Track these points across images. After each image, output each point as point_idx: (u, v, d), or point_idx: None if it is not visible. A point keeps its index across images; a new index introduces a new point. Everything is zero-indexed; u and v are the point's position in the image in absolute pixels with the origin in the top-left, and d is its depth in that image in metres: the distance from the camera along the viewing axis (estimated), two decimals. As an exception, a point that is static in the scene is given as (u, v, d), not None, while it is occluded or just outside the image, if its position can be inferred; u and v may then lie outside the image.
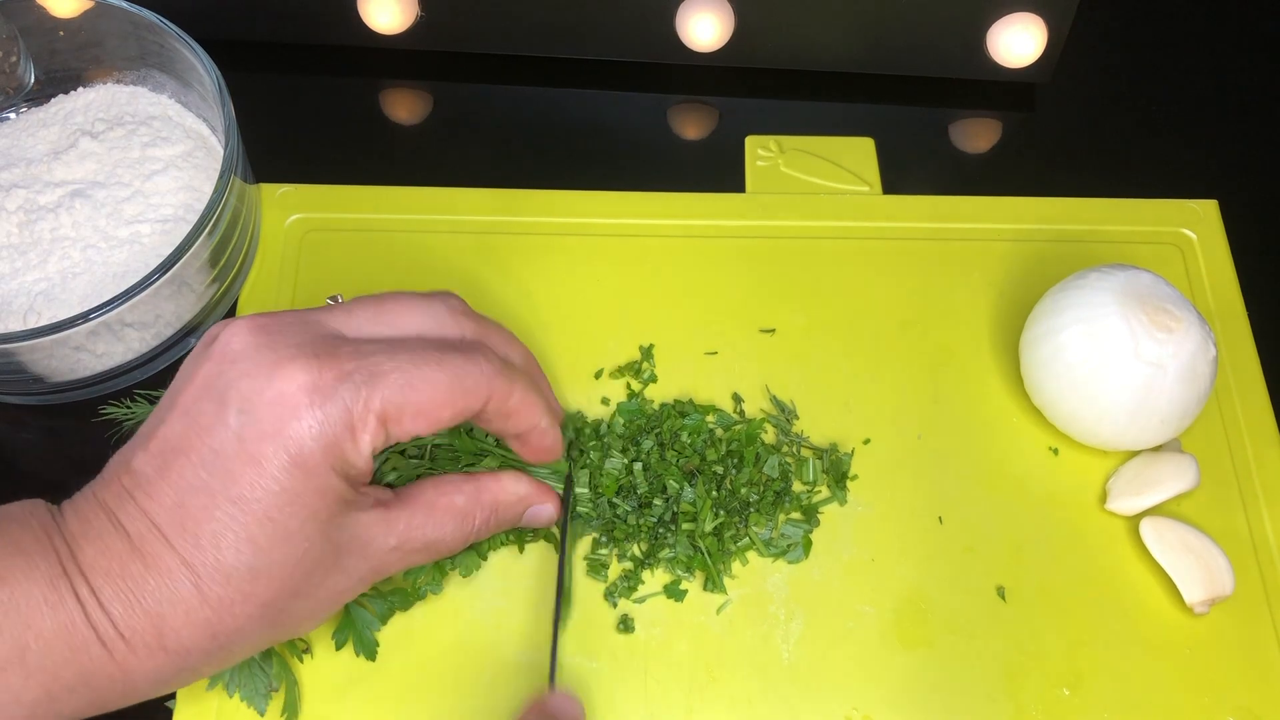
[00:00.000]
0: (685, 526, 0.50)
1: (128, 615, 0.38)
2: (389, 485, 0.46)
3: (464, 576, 0.50)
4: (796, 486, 0.53)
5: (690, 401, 0.54)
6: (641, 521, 0.51)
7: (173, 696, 0.48)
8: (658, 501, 0.51)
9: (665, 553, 0.50)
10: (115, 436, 0.52)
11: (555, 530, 0.51)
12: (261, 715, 0.47)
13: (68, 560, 0.38)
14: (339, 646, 0.48)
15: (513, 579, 0.51)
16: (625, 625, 0.50)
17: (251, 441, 0.38)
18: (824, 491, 0.53)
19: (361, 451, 0.40)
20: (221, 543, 0.38)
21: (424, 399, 0.40)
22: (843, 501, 0.52)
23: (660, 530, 0.50)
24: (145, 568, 0.38)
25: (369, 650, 0.48)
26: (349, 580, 0.42)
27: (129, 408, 0.52)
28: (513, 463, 0.48)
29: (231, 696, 0.47)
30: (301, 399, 0.38)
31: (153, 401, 0.52)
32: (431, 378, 0.40)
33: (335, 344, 0.40)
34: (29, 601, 0.37)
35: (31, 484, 0.54)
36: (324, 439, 0.38)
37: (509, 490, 0.46)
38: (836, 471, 0.53)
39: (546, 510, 0.48)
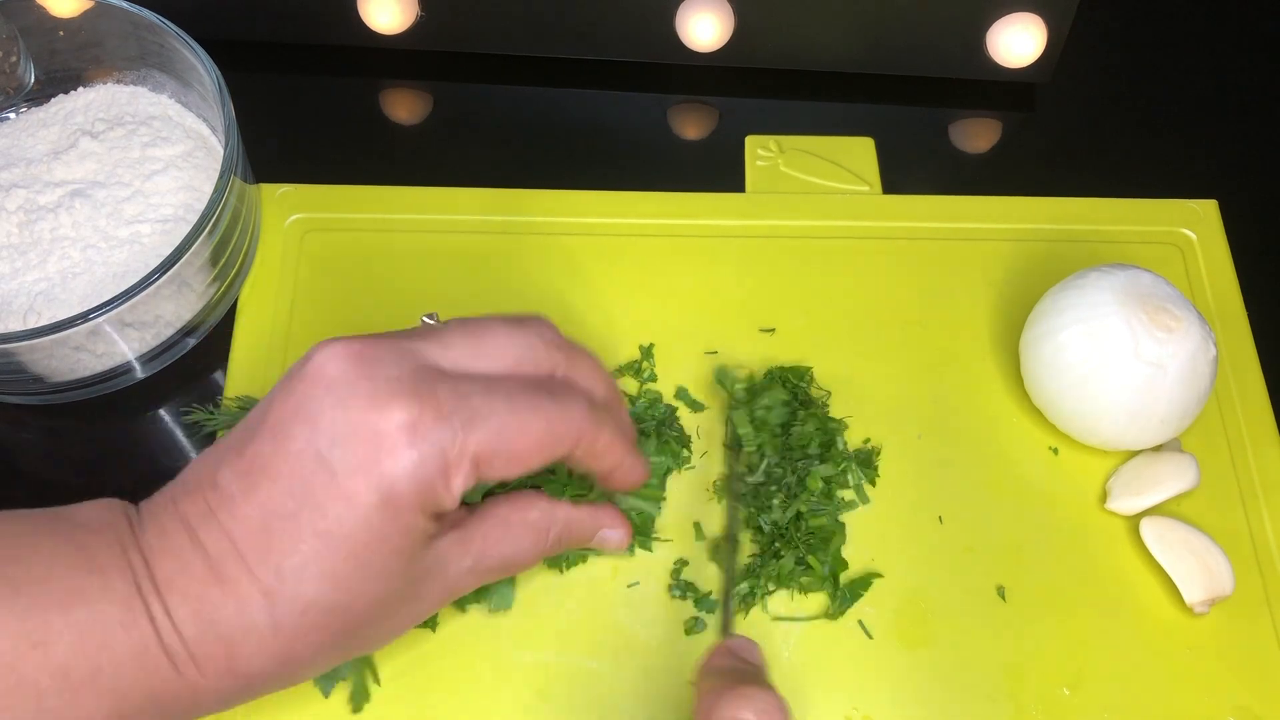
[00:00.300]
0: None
1: (201, 639, 0.38)
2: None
3: (493, 611, 0.50)
4: (814, 482, 0.52)
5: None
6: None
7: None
8: (776, 501, 0.51)
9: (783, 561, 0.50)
10: (198, 435, 0.53)
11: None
12: (325, 697, 0.48)
13: (143, 577, 0.38)
14: (326, 694, 0.48)
15: (517, 581, 0.51)
16: (625, 625, 0.50)
17: (344, 475, 0.37)
18: (850, 493, 0.53)
19: (453, 493, 0.39)
20: (304, 576, 0.37)
21: (518, 446, 0.40)
22: (864, 500, 0.53)
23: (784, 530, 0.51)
24: (223, 592, 0.38)
25: (359, 701, 0.48)
26: (424, 605, 0.42)
27: (211, 413, 0.52)
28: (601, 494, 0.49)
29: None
30: (400, 438, 0.37)
31: (242, 408, 0.52)
32: (526, 425, 0.40)
33: (433, 380, 0.39)
34: (104, 623, 0.37)
35: (31, 484, 0.55)
36: (418, 480, 0.38)
37: (584, 508, 0.46)
38: (867, 466, 0.53)
39: (617, 535, 0.48)
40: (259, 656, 0.38)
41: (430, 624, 0.49)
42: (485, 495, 0.45)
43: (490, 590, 0.49)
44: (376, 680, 0.48)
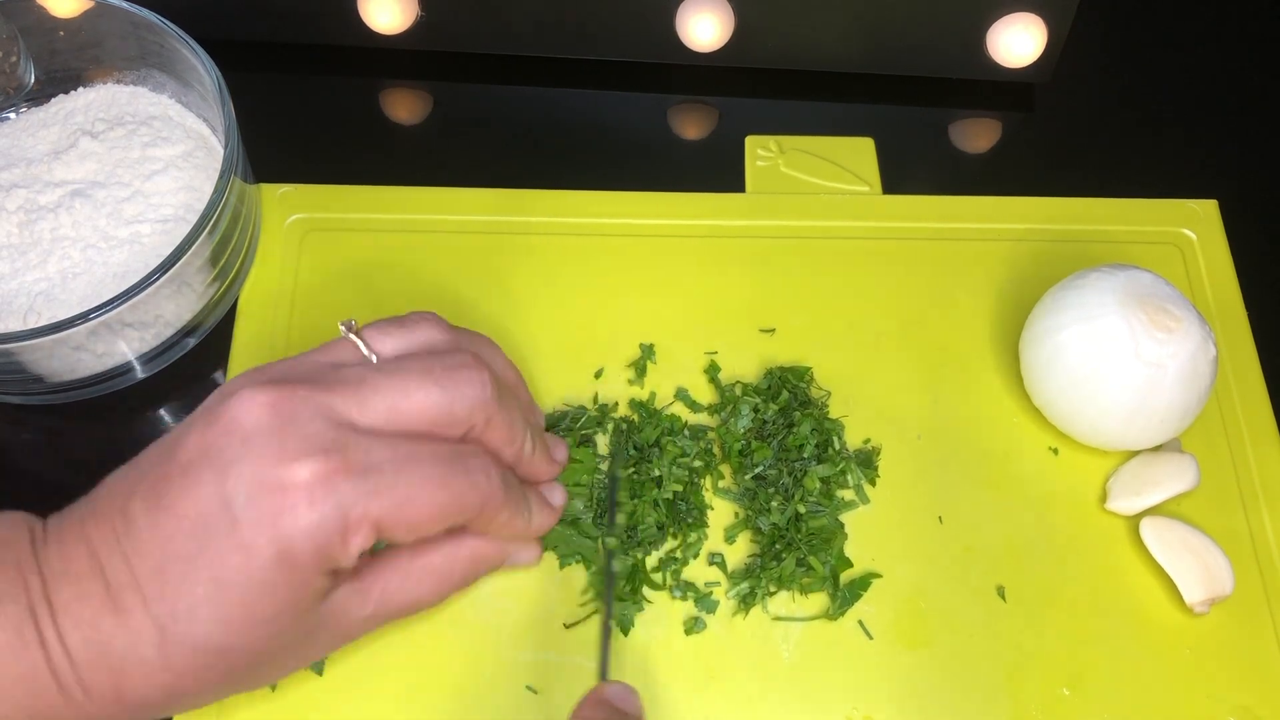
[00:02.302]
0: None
1: (92, 666, 0.38)
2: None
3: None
4: (811, 483, 0.52)
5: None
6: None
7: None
8: (775, 503, 0.51)
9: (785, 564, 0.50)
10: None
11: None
12: (319, 675, 0.48)
13: (39, 602, 0.38)
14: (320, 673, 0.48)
15: (514, 579, 0.51)
16: (625, 625, 0.50)
17: (245, 526, 0.38)
18: (850, 493, 0.53)
19: (350, 554, 0.39)
20: (196, 617, 0.38)
21: (419, 516, 0.40)
22: (864, 500, 0.53)
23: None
24: (117, 623, 0.38)
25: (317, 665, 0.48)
26: (317, 650, 0.43)
27: None
28: None
29: None
30: (302, 496, 0.38)
31: None
32: (430, 499, 0.40)
33: (345, 440, 0.39)
34: None
35: (31, 484, 0.55)
36: (316, 540, 0.38)
37: (485, 543, 0.45)
38: (867, 466, 0.53)
39: (526, 555, 0.47)
40: (146, 688, 0.39)
41: (317, 668, 0.49)
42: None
43: None
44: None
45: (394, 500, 0.39)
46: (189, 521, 0.38)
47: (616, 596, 0.49)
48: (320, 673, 0.48)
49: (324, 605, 0.41)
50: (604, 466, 0.52)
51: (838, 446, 0.53)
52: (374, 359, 0.42)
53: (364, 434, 0.40)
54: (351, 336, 0.43)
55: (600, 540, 0.50)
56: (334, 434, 0.39)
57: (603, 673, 0.48)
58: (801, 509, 0.51)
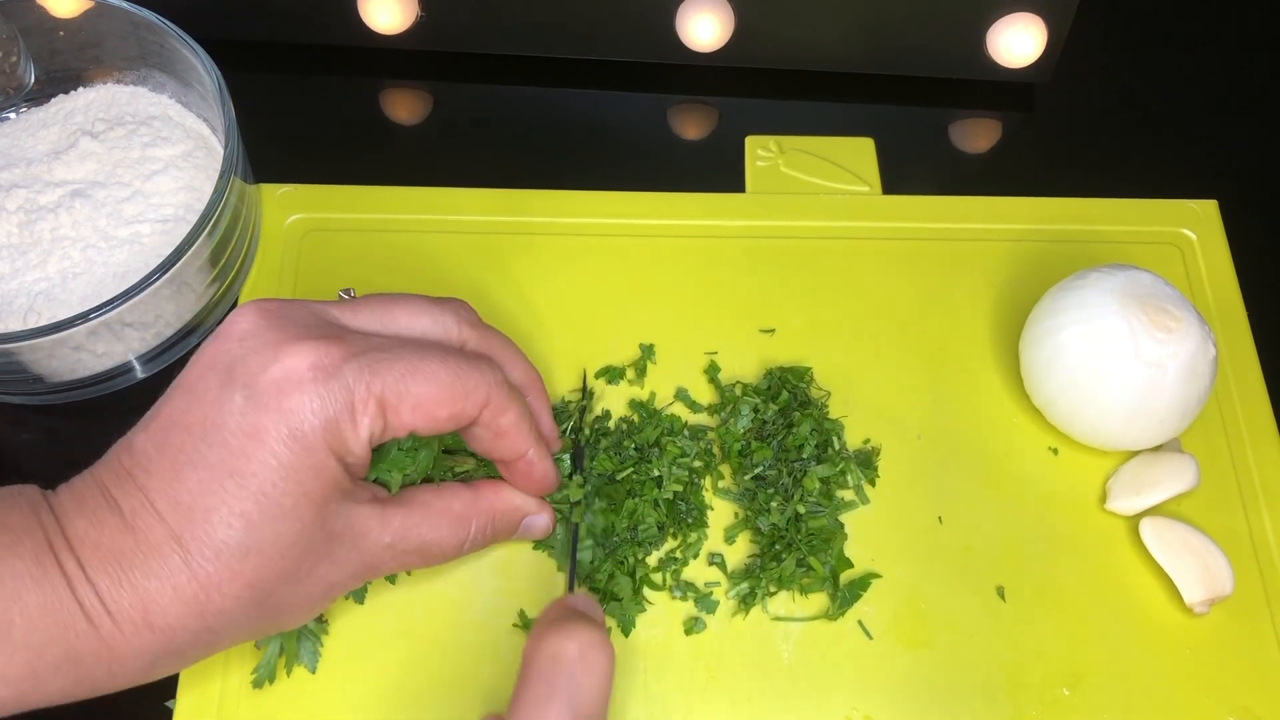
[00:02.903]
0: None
1: (114, 590, 0.38)
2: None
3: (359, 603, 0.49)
4: (811, 483, 0.52)
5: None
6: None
7: (173, 696, 0.48)
8: (775, 504, 0.51)
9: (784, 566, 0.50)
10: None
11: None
12: (312, 673, 0.48)
13: (55, 535, 0.38)
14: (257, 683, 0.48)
15: (512, 574, 0.51)
16: (626, 626, 0.50)
17: (252, 415, 0.38)
18: (850, 493, 0.53)
19: (360, 435, 0.40)
20: (214, 517, 0.38)
21: (424, 392, 0.41)
22: (864, 500, 0.53)
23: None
24: (135, 542, 0.38)
25: (357, 595, 0.48)
26: (340, 572, 0.42)
27: None
28: None
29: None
30: (305, 375, 0.39)
31: None
32: (433, 372, 0.41)
33: (341, 331, 0.41)
34: (13, 576, 0.37)
35: (32, 484, 0.54)
36: (324, 415, 0.39)
37: (506, 499, 0.47)
38: (867, 466, 0.53)
39: (542, 521, 0.48)
40: (175, 606, 0.38)
41: (358, 595, 0.49)
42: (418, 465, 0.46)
43: None
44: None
45: (395, 374, 0.40)
46: (197, 427, 0.39)
47: (613, 595, 0.50)
48: (361, 600, 0.48)
49: (345, 514, 0.41)
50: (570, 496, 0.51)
51: (837, 447, 0.53)
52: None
53: (358, 330, 0.42)
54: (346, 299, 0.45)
55: (569, 479, 0.51)
56: (330, 328, 0.41)
57: (569, 586, 0.49)
58: (801, 509, 0.51)
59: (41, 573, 0.37)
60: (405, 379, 0.40)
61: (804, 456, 0.52)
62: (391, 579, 0.50)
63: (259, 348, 0.39)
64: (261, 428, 0.38)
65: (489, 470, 0.48)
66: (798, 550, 0.50)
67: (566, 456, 0.52)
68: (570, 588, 0.49)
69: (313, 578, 0.41)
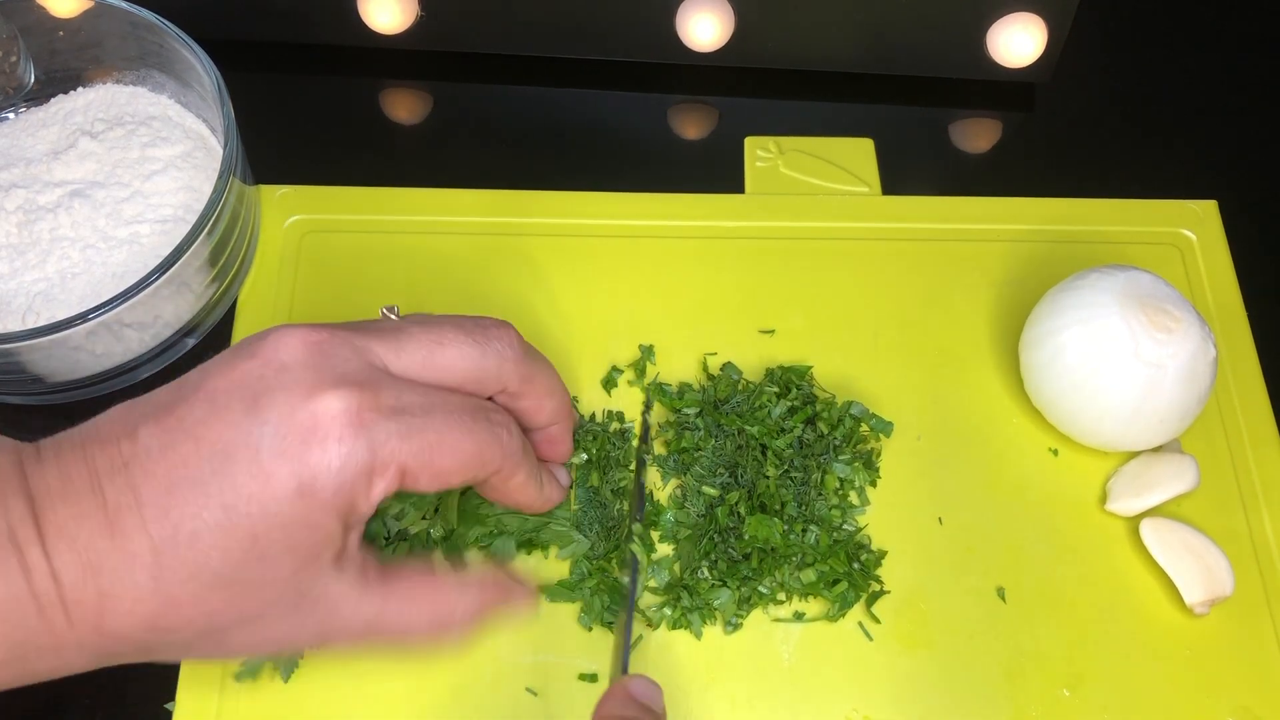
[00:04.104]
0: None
1: (78, 586, 0.36)
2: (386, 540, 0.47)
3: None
4: (832, 481, 0.52)
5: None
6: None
7: (172, 698, 0.48)
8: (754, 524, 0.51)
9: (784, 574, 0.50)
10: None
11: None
12: (285, 682, 0.47)
13: (21, 520, 0.36)
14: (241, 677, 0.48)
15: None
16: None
17: (268, 456, 0.37)
18: (854, 496, 0.53)
19: (371, 499, 0.38)
20: (197, 543, 0.37)
21: (445, 464, 0.40)
22: (865, 501, 0.53)
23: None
24: (113, 545, 0.36)
25: (286, 670, 0.47)
26: (299, 633, 0.40)
27: None
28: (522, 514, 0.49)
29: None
30: (332, 429, 0.37)
31: None
32: (457, 446, 0.40)
33: (379, 381, 0.39)
34: None
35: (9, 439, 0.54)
36: (341, 476, 0.37)
37: (492, 585, 0.44)
38: (867, 466, 0.53)
39: (527, 601, 0.46)
40: (130, 616, 0.37)
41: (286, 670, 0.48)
42: (387, 542, 0.47)
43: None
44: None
45: (422, 444, 0.39)
46: (208, 446, 0.37)
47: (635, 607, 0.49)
48: (286, 679, 0.47)
49: (324, 582, 0.39)
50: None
51: (854, 442, 0.53)
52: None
53: (397, 378, 0.40)
54: (391, 317, 0.43)
55: (625, 532, 0.50)
56: (369, 374, 0.39)
57: (624, 667, 0.47)
58: (807, 511, 0.51)
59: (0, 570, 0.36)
60: (431, 450, 0.39)
61: (819, 454, 0.52)
62: None
63: (293, 384, 0.38)
64: (274, 475, 0.37)
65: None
66: (798, 551, 0.50)
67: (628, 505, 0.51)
68: (624, 666, 0.46)
69: (271, 628, 0.40)
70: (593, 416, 0.54)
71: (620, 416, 0.54)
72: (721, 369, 0.55)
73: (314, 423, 0.37)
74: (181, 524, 0.37)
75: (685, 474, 0.52)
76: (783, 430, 0.52)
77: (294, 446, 0.37)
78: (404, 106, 0.67)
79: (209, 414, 0.38)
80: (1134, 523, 0.52)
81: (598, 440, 0.52)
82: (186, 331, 0.56)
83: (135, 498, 0.37)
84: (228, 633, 0.39)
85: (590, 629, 0.49)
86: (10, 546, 0.36)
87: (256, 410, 0.37)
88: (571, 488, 0.51)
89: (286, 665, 0.47)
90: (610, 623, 0.49)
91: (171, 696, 0.48)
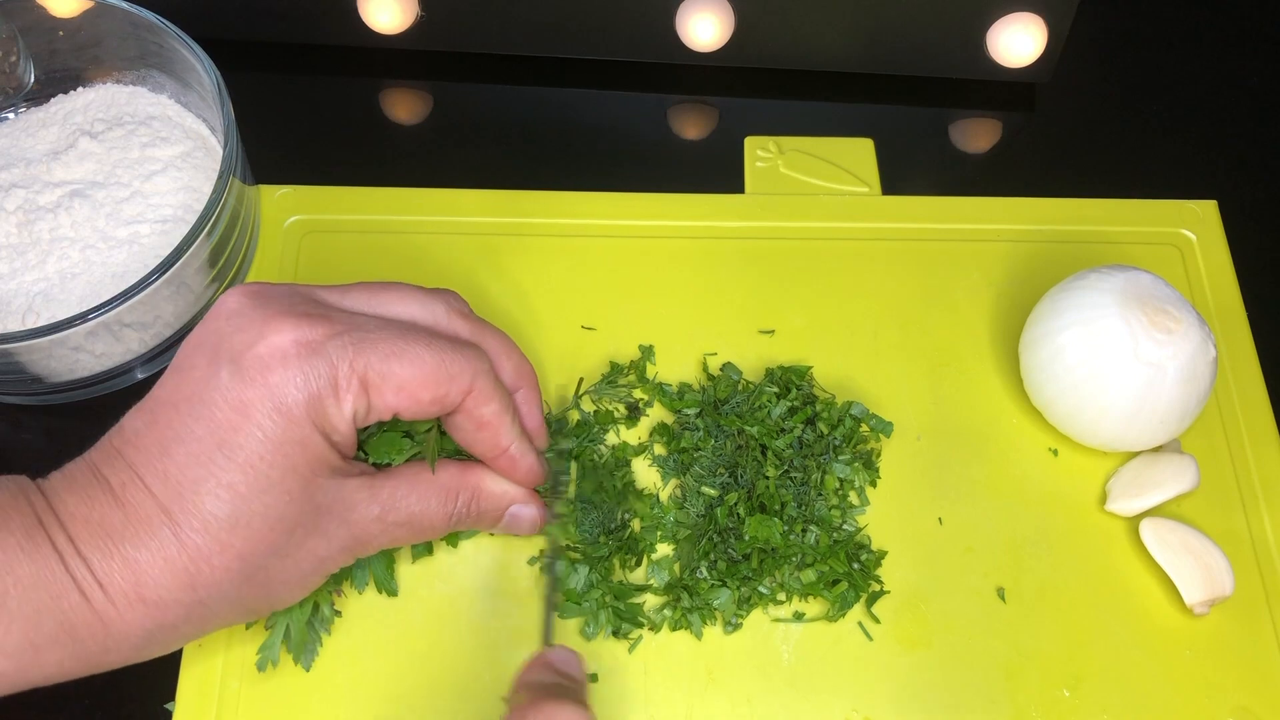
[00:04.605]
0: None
1: (106, 564, 0.38)
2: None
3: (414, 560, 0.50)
4: (831, 481, 0.52)
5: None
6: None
7: (172, 698, 0.48)
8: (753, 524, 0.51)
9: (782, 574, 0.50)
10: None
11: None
12: (307, 671, 0.48)
13: (44, 513, 0.39)
14: (361, 587, 0.48)
15: (512, 576, 0.51)
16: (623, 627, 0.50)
17: (238, 389, 0.39)
18: (854, 497, 0.53)
19: (343, 413, 0.40)
20: (201, 489, 0.39)
21: (407, 373, 0.41)
22: (864, 501, 0.52)
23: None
24: (125, 517, 0.39)
25: (390, 588, 0.49)
26: (329, 546, 0.42)
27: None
28: None
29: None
30: (290, 350, 0.39)
31: None
32: (418, 354, 0.41)
33: (328, 312, 0.42)
34: (3, 550, 0.38)
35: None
36: (307, 390, 0.39)
37: (493, 480, 0.47)
38: (867, 466, 0.53)
39: (529, 513, 0.48)
40: (165, 578, 0.39)
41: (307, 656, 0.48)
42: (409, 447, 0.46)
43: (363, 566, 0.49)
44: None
45: (379, 353, 0.41)
46: (185, 404, 0.39)
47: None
48: (308, 668, 0.48)
49: (333, 489, 0.41)
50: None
51: (854, 441, 0.53)
52: None
53: (347, 310, 0.42)
54: None
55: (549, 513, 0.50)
56: (317, 307, 0.42)
57: (546, 638, 0.48)
58: (807, 511, 0.51)
59: (33, 546, 0.38)
60: (389, 359, 0.41)
61: (819, 453, 0.52)
62: (394, 575, 0.50)
63: (245, 325, 0.40)
64: (247, 401, 0.39)
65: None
66: (799, 551, 0.50)
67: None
68: (546, 637, 0.48)
69: (302, 551, 0.42)
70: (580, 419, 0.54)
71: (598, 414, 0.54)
72: (721, 369, 0.55)
73: (270, 350, 0.39)
74: (183, 478, 0.39)
75: (685, 474, 0.52)
76: (782, 430, 0.52)
77: (258, 374, 0.39)
78: (404, 106, 0.67)
79: (179, 380, 0.40)
80: (1134, 523, 0.52)
81: (580, 435, 0.53)
82: (186, 331, 0.56)
83: (135, 472, 0.39)
84: (265, 570, 0.41)
85: (589, 640, 0.49)
86: (41, 532, 0.38)
87: (217, 357, 0.40)
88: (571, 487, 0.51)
89: (307, 653, 0.47)
90: (615, 631, 0.49)
91: (171, 696, 0.48)
